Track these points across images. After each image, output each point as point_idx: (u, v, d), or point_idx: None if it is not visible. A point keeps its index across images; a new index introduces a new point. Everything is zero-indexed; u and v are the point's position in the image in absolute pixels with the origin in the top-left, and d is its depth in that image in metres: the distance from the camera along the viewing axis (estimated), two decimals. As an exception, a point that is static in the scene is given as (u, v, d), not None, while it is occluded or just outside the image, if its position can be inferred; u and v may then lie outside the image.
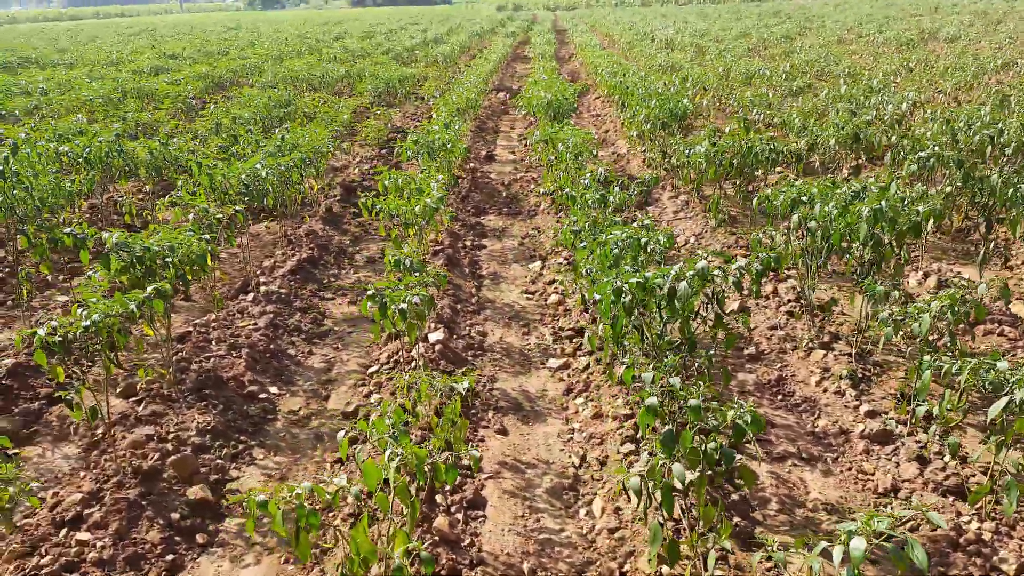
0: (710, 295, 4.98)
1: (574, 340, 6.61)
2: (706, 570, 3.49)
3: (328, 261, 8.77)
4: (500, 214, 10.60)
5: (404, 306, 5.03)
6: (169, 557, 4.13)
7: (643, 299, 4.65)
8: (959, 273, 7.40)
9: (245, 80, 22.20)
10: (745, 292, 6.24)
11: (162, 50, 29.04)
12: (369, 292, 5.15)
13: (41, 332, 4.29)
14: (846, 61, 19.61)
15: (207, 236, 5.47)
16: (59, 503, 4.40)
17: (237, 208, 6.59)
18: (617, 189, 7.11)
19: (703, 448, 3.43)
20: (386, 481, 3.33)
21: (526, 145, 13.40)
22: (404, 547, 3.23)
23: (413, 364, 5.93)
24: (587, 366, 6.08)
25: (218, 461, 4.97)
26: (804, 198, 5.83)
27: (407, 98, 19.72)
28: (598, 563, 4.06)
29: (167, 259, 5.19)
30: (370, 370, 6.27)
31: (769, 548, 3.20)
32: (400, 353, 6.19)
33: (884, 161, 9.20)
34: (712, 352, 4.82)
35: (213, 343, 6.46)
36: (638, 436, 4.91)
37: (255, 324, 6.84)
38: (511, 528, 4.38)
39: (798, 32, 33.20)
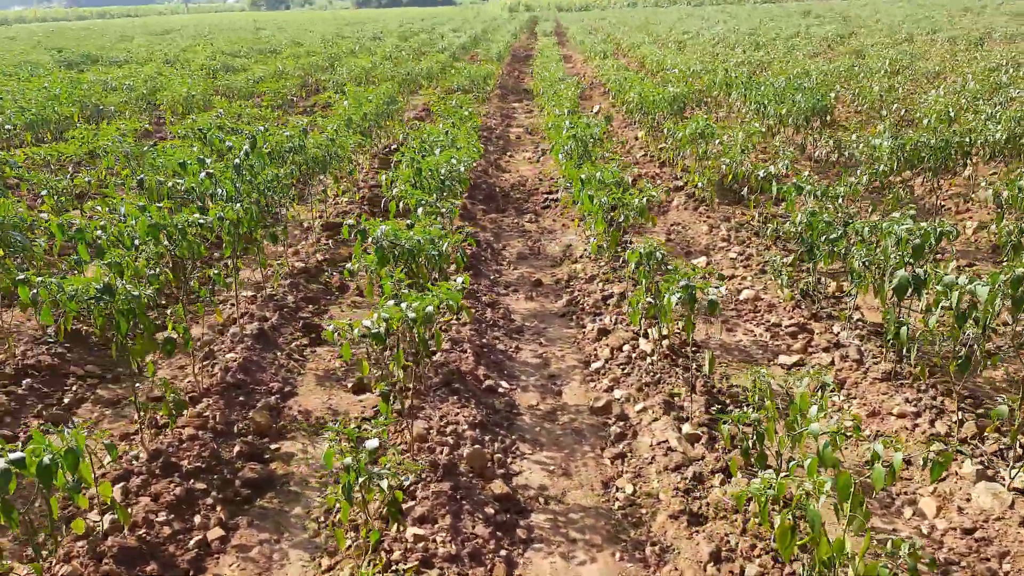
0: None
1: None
2: None
3: (486, 257, 8.72)
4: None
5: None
6: (503, 552, 4.06)
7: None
8: None
9: (315, 77, 22.14)
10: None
11: (218, 48, 29.03)
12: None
13: (368, 324, 4.24)
14: (931, 61, 19.44)
15: (467, 228, 5.39)
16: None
17: (455, 201, 6.52)
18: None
19: None
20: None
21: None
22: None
23: (649, 360, 5.84)
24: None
25: (498, 455, 4.91)
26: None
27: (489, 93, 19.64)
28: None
29: (432, 251, 5.12)
30: (593, 366, 6.19)
31: None
32: (626, 349, 6.11)
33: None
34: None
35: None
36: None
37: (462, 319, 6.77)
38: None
39: (849, 32, 32.95)
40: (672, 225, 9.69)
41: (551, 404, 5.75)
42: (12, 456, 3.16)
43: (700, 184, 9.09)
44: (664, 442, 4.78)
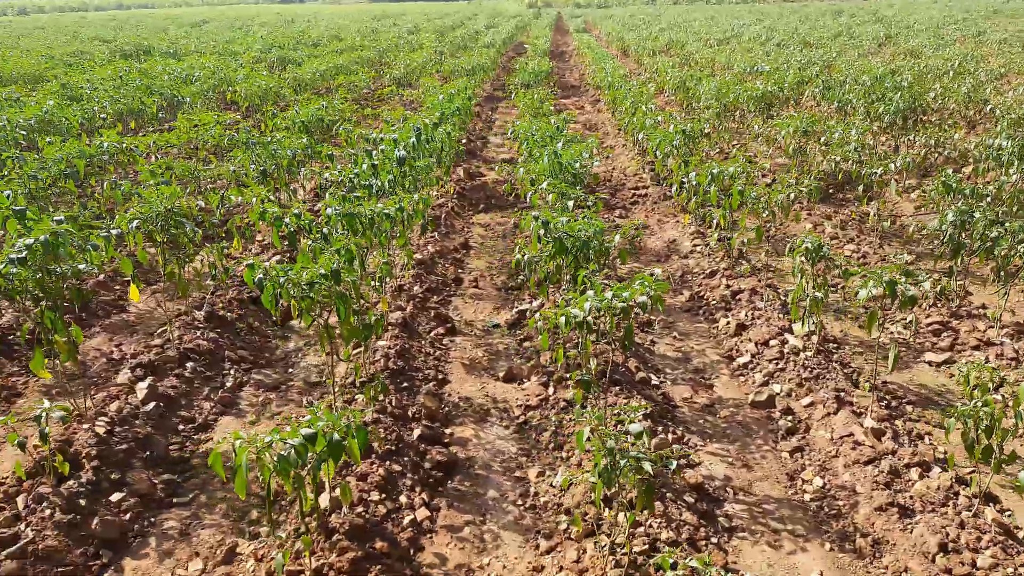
0: None
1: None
2: None
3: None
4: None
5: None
6: (713, 539, 4.16)
7: None
8: None
9: (373, 71, 22.28)
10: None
11: (266, 42, 29.18)
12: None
13: (577, 313, 4.34)
14: (991, 62, 19.30)
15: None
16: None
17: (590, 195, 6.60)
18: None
19: None
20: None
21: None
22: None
23: (803, 356, 5.91)
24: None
25: (674, 446, 5.00)
26: None
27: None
28: None
29: (600, 244, 5.21)
30: (739, 360, 6.26)
31: None
32: (773, 344, 6.18)
33: None
34: None
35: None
36: None
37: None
38: None
39: (890, 33, 32.72)
40: (766, 223, 9.73)
41: (706, 398, 5.83)
42: (305, 432, 3.28)
43: (805, 181, 9.14)
44: (848, 436, 4.86)
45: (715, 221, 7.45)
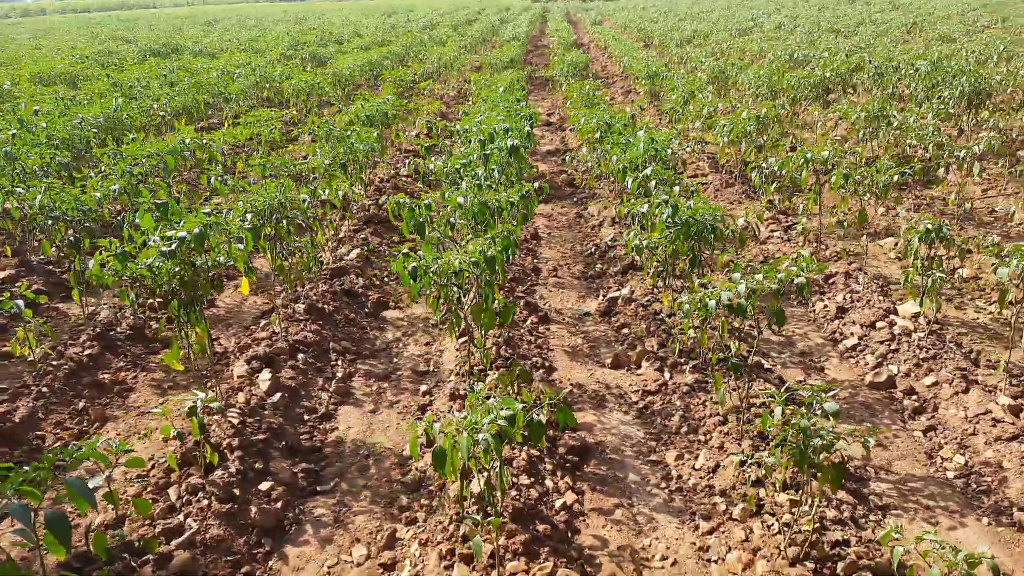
0: None
1: None
2: None
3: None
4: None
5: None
6: (872, 517, 4.16)
7: None
8: None
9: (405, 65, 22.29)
10: None
11: (294, 40, 29.19)
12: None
13: (728, 295, 4.35)
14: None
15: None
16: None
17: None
18: None
19: None
20: None
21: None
22: None
23: (916, 336, 5.89)
24: None
25: (810, 428, 5.00)
26: None
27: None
28: None
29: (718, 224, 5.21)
30: (846, 343, 6.24)
31: None
32: (880, 327, 6.17)
33: None
34: None
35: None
36: None
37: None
38: None
39: (912, 21, 32.49)
40: (831, 208, 9.70)
41: (819, 380, 5.83)
42: (505, 414, 3.29)
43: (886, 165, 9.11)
44: (984, 414, 4.85)
45: (801, 205, 7.42)
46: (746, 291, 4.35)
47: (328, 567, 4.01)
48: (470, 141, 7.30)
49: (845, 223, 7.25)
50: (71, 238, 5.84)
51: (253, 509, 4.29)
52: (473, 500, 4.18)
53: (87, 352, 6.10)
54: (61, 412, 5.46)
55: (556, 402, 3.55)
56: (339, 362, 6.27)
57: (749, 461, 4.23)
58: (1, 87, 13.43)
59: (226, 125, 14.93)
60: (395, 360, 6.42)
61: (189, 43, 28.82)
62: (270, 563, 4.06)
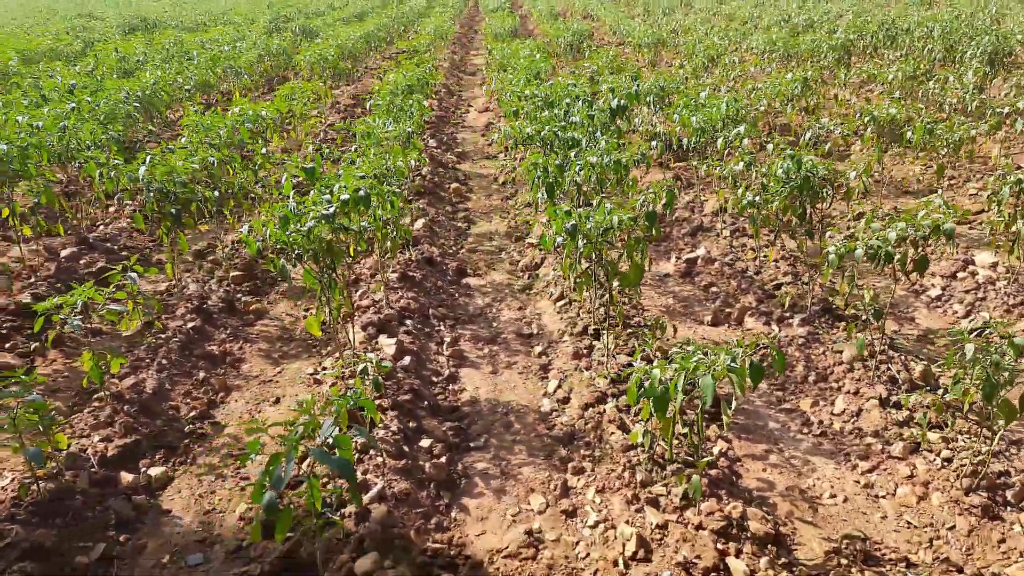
0: None
1: None
2: None
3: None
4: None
5: None
6: None
7: None
8: None
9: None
10: None
11: (276, 12, 28.45)
12: None
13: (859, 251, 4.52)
14: None
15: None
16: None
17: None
18: None
19: None
20: None
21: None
22: None
23: (1000, 285, 6.17)
24: None
25: (928, 372, 5.25)
26: None
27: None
28: None
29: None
30: (930, 293, 6.50)
31: None
32: (961, 277, 6.44)
33: None
34: None
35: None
36: None
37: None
38: None
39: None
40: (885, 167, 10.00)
41: (915, 329, 6.08)
42: (731, 359, 3.42)
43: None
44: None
45: (863, 164, 7.64)
46: (896, 238, 4.54)
47: (511, 515, 4.13)
48: (542, 107, 7.32)
49: (920, 178, 7.48)
50: (172, 210, 5.76)
51: (425, 465, 4.38)
52: (643, 449, 4.33)
53: (190, 325, 6.06)
54: (184, 383, 5.43)
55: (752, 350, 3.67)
56: (441, 327, 6.34)
57: (901, 401, 4.45)
58: (7, 65, 12.92)
59: (235, 97, 14.62)
60: (494, 324, 6.50)
61: (165, 18, 27.91)
62: (453, 514, 4.16)
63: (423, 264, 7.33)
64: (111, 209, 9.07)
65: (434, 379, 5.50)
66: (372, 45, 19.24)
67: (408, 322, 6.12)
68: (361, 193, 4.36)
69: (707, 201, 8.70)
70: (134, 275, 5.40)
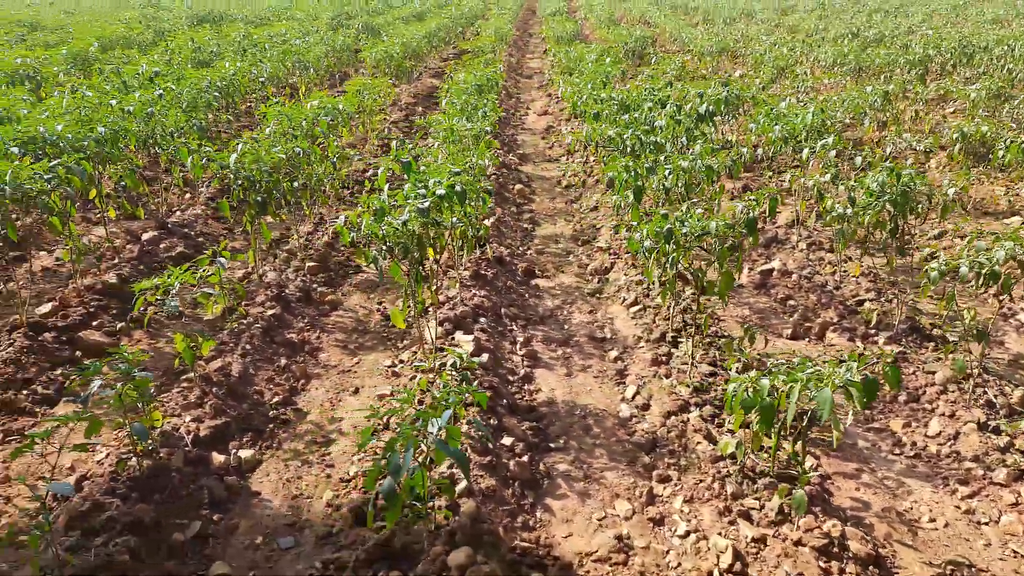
0: None
1: None
2: None
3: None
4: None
5: None
6: None
7: None
8: None
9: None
10: None
11: (338, 9, 28.94)
12: None
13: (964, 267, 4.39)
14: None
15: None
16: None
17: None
18: None
19: None
20: None
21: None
22: None
23: None
24: None
25: None
26: None
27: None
28: None
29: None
30: (1019, 316, 6.29)
31: None
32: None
33: None
34: None
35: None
36: None
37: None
38: None
39: (959, 3, 32.18)
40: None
41: (1002, 354, 5.89)
42: (846, 375, 3.34)
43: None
44: None
45: (947, 180, 7.43)
46: (1005, 257, 4.39)
47: (597, 519, 4.09)
48: (620, 110, 7.27)
49: (1000, 200, 7.27)
50: (259, 198, 5.86)
51: (509, 463, 4.37)
52: (733, 461, 4.26)
53: (270, 312, 6.15)
54: (266, 368, 5.52)
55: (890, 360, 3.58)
56: (513, 327, 6.33)
57: (1001, 426, 4.30)
58: (88, 51, 13.33)
59: (301, 91, 14.87)
60: (565, 327, 6.47)
61: (232, 11, 28.54)
62: (537, 513, 4.14)
63: (493, 263, 7.34)
64: (186, 196, 9.29)
65: (510, 378, 5.49)
66: (433, 45, 19.39)
67: (482, 320, 6.12)
68: (458, 189, 4.38)
69: (779, 212, 8.55)
70: (223, 260, 5.49)
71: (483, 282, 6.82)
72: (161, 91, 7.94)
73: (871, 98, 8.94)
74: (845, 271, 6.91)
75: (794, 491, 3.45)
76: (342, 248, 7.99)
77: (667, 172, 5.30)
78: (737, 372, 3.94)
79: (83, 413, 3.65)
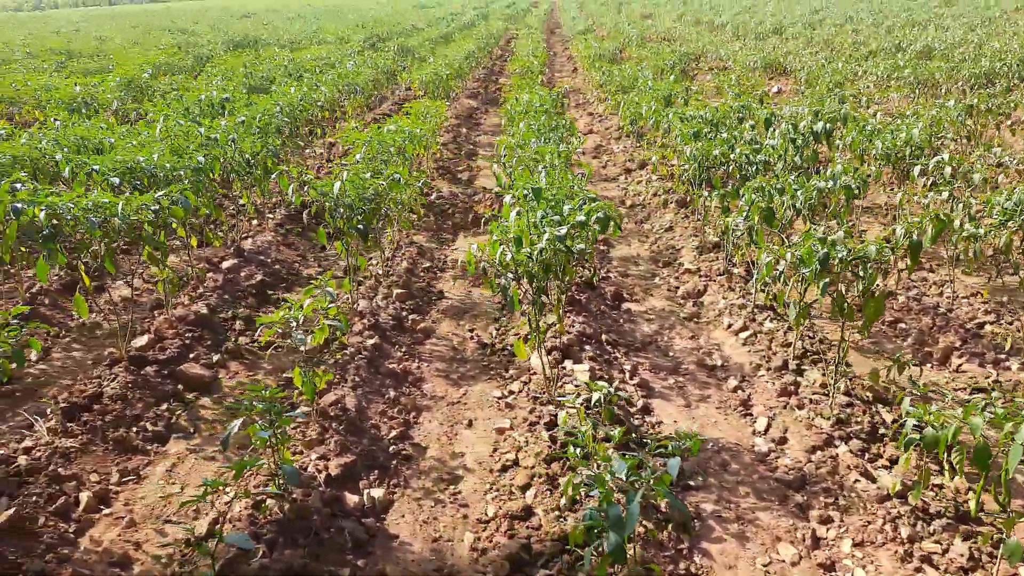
0: None
1: None
2: None
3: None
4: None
5: None
6: None
7: None
8: None
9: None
10: None
11: (369, 32, 29.12)
12: None
13: None
14: None
15: None
16: None
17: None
18: None
19: None
20: None
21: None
22: None
23: None
24: None
25: None
26: None
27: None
28: None
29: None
30: None
31: None
32: None
33: None
34: None
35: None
36: None
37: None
38: None
39: (993, 15, 31.92)
40: None
41: None
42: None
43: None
44: None
45: None
46: None
47: (762, 565, 3.85)
48: (710, 128, 7.09)
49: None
50: (360, 226, 5.71)
51: (661, 504, 4.14)
52: (900, 500, 4.01)
53: (370, 342, 5.98)
54: (377, 401, 5.33)
55: None
56: (616, 354, 6.12)
57: None
58: (141, 79, 13.38)
59: (348, 113, 14.84)
60: (669, 353, 6.25)
61: (266, 35, 28.81)
62: (696, 559, 3.90)
63: (583, 287, 7.15)
64: (254, 223, 9.19)
65: (630, 409, 5.27)
66: (471, 66, 19.38)
67: (587, 347, 5.92)
68: (600, 215, 4.20)
69: (866, 231, 8.32)
70: (331, 291, 5.34)
71: (579, 307, 6.63)
72: (243, 118, 7.86)
73: (954, 112, 8.72)
74: (955, 292, 6.65)
75: (1006, 538, 3.20)
76: (421, 273, 7.84)
77: (796, 191, 5.10)
78: (911, 405, 3.70)
79: (223, 452, 3.48)
